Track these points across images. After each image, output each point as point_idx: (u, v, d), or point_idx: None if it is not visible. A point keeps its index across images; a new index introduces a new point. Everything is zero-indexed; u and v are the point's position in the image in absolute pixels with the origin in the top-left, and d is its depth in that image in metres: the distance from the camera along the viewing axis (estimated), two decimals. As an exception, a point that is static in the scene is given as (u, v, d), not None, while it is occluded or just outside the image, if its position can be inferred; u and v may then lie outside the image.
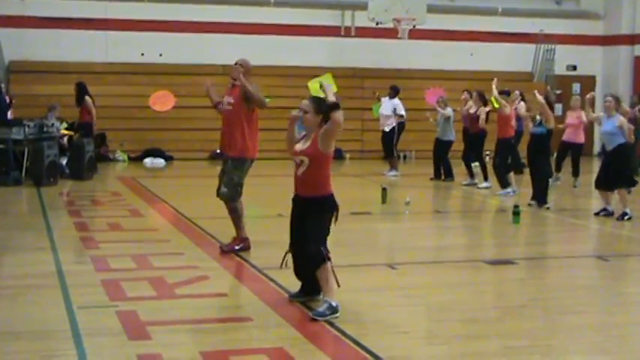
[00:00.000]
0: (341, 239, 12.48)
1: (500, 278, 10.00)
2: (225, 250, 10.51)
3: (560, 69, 27.60)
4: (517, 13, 27.31)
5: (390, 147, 21.01)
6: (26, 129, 17.75)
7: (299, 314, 7.92)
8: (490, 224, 14.47)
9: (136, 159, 23.34)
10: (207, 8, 24.82)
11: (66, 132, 19.91)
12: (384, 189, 15.78)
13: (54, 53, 23.37)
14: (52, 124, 18.54)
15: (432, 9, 24.60)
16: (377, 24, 23.93)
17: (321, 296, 8.07)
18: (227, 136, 10.59)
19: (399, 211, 15.13)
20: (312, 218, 8.10)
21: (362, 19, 24.52)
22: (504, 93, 17.84)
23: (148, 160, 22.99)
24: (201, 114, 21.62)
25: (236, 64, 10.93)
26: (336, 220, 8.27)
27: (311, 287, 8.25)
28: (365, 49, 25.50)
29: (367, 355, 6.73)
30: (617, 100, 14.38)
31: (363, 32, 25.28)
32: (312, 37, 25.41)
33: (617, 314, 8.25)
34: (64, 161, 18.69)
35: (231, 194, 10.51)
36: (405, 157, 24.72)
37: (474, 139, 18.51)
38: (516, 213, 13.53)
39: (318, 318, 7.68)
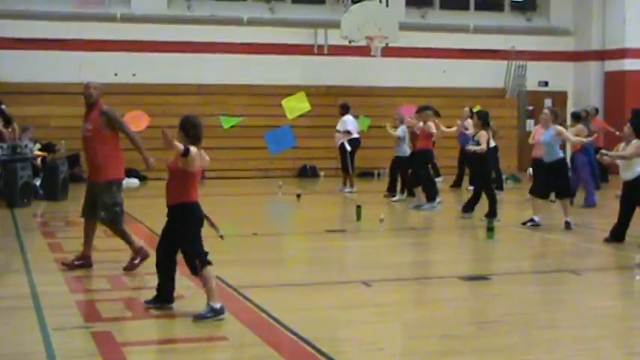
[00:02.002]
0: (316, 257, 12.56)
1: (475, 294, 10.04)
2: (127, 268, 10.58)
3: (532, 85, 27.79)
4: (488, 30, 27.50)
5: (343, 163, 21.08)
6: (-1, 150, 17.68)
7: (275, 333, 7.93)
8: (464, 240, 14.53)
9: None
10: (180, 28, 24.83)
11: (40, 153, 19.83)
12: (358, 206, 15.82)
13: (27, 74, 23.28)
14: (26, 145, 18.47)
15: (404, 27, 24.75)
16: (350, 42, 24.03)
17: (171, 305, 8.45)
18: (91, 162, 10.57)
19: (373, 228, 15.16)
20: (179, 230, 8.44)
21: (335, 38, 24.62)
22: (428, 109, 18.02)
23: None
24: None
25: (89, 86, 10.55)
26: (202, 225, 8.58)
27: (165, 295, 8.57)
28: (338, 67, 25.57)
29: (343, 373, 6.75)
30: (554, 114, 14.83)
31: (336, 50, 25.36)
32: (286, 56, 25.46)
33: (590, 328, 8.31)
34: (37, 182, 18.61)
35: (111, 217, 10.54)
36: (378, 174, 24.74)
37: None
38: (490, 229, 13.61)
39: (200, 320, 8.05)
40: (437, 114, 18.28)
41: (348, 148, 20.89)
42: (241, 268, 11.14)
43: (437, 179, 20.03)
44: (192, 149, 8.29)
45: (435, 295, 9.92)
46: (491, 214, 15.43)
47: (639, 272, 10.76)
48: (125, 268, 10.59)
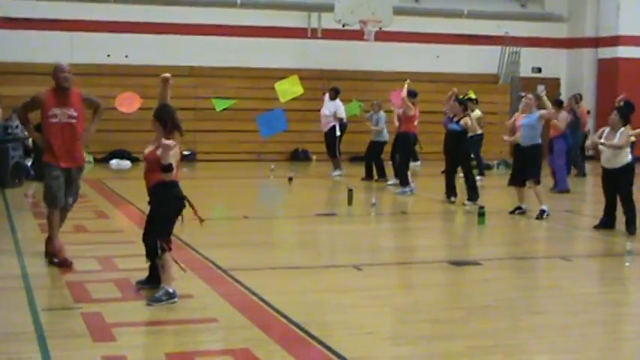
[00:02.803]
0: (307, 241, 12.58)
1: (466, 279, 10.06)
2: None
3: (525, 71, 27.79)
4: (482, 16, 27.49)
5: (331, 147, 21.14)
6: (-10, 130, 17.64)
7: (265, 315, 7.94)
8: (456, 225, 14.56)
9: (102, 160, 23.25)
10: (173, 10, 24.77)
11: (31, 133, 19.75)
12: (350, 190, 15.83)
13: (19, 54, 23.22)
14: (17, 126, 18.39)
15: (398, 11, 24.72)
16: (343, 26, 23.99)
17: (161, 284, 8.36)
18: (72, 148, 10.03)
19: (365, 213, 15.17)
20: (152, 209, 8.53)
21: (328, 21, 24.59)
22: (411, 94, 17.98)
23: (114, 162, 22.91)
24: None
25: (68, 69, 10.15)
26: (180, 211, 8.53)
27: (155, 275, 8.56)
28: (331, 51, 25.54)
29: (332, 356, 6.75)
30: (539, 99, 14.89)
31: (329, 34, 25.34)
32: (279, 39, 25.43)
33: (579, 314, 8.33)
34: (29, 163, 18.57)
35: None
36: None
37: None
38: (482, 214, 13.63)
39: (154, 303, 8.08)
40: (414, 95, 18.20)
41: (339, 132, 20.93)
42: (232, 250, 11.15)
43: (415, 163, 20.25)
44: (171, 158, 8.26)
45: (426, 279, 9.93)
46: (472, 197, 15.59)
47: (629, 259, 10.82)
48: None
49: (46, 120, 9.89)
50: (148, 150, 8.65)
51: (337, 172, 21.01)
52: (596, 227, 13.16)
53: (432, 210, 16.12)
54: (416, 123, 18.01)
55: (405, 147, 17.93)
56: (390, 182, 18.99)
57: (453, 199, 15.95)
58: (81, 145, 10.19)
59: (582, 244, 12.79)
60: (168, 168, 8.27)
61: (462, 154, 16.12)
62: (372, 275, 9.95)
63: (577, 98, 22.28)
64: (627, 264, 10.72)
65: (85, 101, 10.17)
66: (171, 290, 8.22)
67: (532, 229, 13.88)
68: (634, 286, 10.13)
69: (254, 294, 8.63)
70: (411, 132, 17.94)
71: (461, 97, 17.47)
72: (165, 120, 8.49)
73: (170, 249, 8.43)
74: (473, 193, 15.83)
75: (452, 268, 10.40)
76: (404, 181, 17.66)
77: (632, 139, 13.08)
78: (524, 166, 14.44)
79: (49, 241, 10.05)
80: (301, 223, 14.15)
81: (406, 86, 17.75)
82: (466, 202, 15.71)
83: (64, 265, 9.77)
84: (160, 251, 8.30)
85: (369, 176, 20.11)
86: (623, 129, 12.74)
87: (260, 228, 13.51)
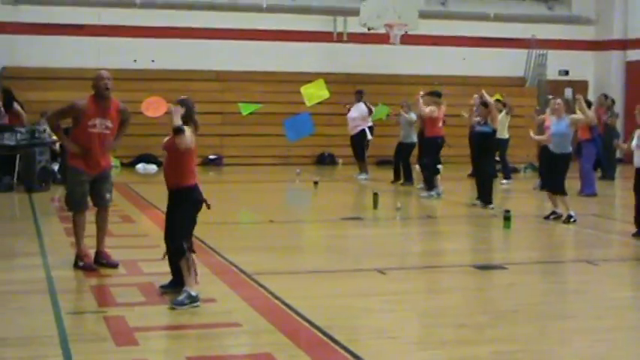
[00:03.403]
0: (331, 245, 12.53)
1: (491, 283, 9.99)
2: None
3: (552, 74, 27.62)
4: (509, 19, 27.37)
5: (359, 150, 21.11)
6: (18, 135, 17.73)
7: (289, 320, 7.91)
8: (481, 229, 14.44)
9: (129, 165, 23.33)
10: (199, 14, 24.85)
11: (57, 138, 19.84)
12: (375, 194, 15.77)
13: (46, 60, 23.38)
14: (44, 130, 18.49)
15: (424, 14, 24.64)
16: (369, 29, 23.94)
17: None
18: (101, 156, 9.99)
19: (390, 216, 15.12)
20: (175, 211, 8.53)
21: (354, 25, 24.56)
22: (434, 94, 17.91)
23: (140, 166, 22.99)
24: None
25: (109, 77, 9.89)
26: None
27: (178, 279, 8.51)
28: (357, 55, 25.53)
29: (356, 361, 6.72)
30: (567, 104, 14.73)
31: (355, 38, 25.33)
32: (305, 43, 25.44)
33: (606, 318, 8.24)
34: (55, 167, 18.66)
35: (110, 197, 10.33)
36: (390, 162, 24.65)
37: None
38: (507, 218, 13.53)
39: (176, 307, 8.05)
40: (438, 95, 18.11)
41: (369, 136, 20.92)
42: (256, 254, 11.13)
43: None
44: (179, 121, 8.34)
45: (451, 283, 9.87)
46: (484, 199, 15.66)
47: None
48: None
49: (84, 129, 9.79)
50: (165, 140, 8.68)
51: (363, 176, 20.98)
52: (635, 235, 12.90)
53: (458, 213, 16.03)
54: (441, 124, 17.87)
55: (432, 151, 17.82)
56: (418, 186, 18.86)
57: (491, 206, 15.69)
58: (109, 153, 10.24)
59: (609, 248, 12.66)
60: (179, 130, 8.29)
61: (488, 155, 16.07)
62: (397, 279, 9.90)
63: (608, 99, 22.10)
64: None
65: (122, 112, 10.14)
66: (194, 293, 8.21)
67: (558, 233, 13.76)
68: (662, 290, 10.03)
69: (278, 298, 8.60)
70: (438, 136, 17.82)
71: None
72: (184, 106, 8.52)
73: (194, 251, 8.42)
74: (486, 196, 15.76)
75: (477, 273, 10.33)
76: (430, 185, 17.58)
77: None
78: (552, 173, 14.30)
79: (78, 249, 10.04)
80: (326, 227, 14.10)
81: (421, 100, 17.63)
82: (475, 201, 15.72)
83: (89, 269, 9.79)
84: (185, 253, 8.30)
85: (397, 179, 20.07)
86: None
87: (285, 232, 13.49)
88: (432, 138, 17.79)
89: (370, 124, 21.16)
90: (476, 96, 20.38)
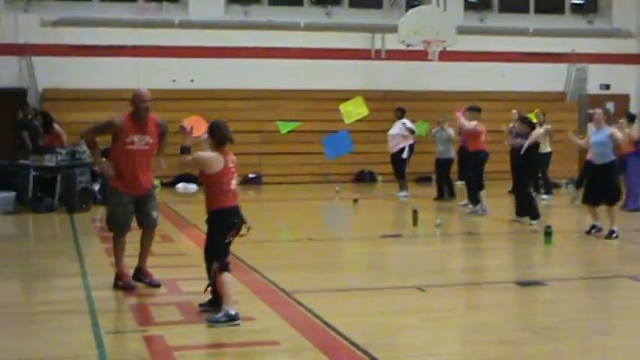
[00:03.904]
0: (371, 262, 12.50)
1: (531, 299, 9.90)
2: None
3: (593, 88, 27.40)
4: (548, 33, 27.17)
5: (399, 168, 21.05)
6: (58, 156, 17.91)
7: (328, 338, 7.88)
8: (522, 245, 14.33)
9: (169, 184, 23.44)
10: (237, 33, 24.95)
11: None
12: (415, 211, 15.73)
13: (85, 81, 23.58)
14: (84, 151, 18.64)
15: (462, 30, 24.54)
16: (407, 46, 23.90)
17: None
18: (143, 175, 9.91)
19: (430, 233, 15.06)
20: (209, 233, 8.68)
21: (392, 42, 24.51)
22: (474, 109, 17.94)
23: (180, 186, 23.09)
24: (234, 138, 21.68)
25: (149, 97, 9.86)
26: (235, 234, 8.62)
27: (216, 298, 8.58)
28: (396, 72, 25.49)
29: (395, 379, 6.68)
30: (607, 114, 14.76)
31: (393, 55, 25.28)
32: (343, 61, 25.45)
33: (649, 335, 8.15)
34: (96, 187, 18.79)
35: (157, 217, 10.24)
36: (430, 179, 24.53)
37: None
38: (548, 233, 13.42)
39: (213, 324, 8.09)
40: (477, 110, 18.07)
41: (405, 154, 20.87)
42: (295, 272, 11.12)
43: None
44: (200, 153, 8.56)
45: (490, 300, 9.79)
46: (526, 214, 15.61)
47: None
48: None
49: (122, 146, 9.75)
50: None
51: (403, 193, 20.92)
52: None
53: (498, 230, 15.93)
54: (483, 138, 17.80)
55: (476, 165, 17.73)
56: (461, 203, 18.73)
57: (533, 223, 15.44)
58: (151, 170, 10.13)
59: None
60: (182, 150, 8.60)
61: (530, 169, 15.98)
62: (437, 296, 9.84)
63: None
64: (700, 283, 10.46)
65: (160, 127, 10.10)
66: (233, 312, 8.21)
67: (600, 248, 13.61)
68: None
69: (317, 316, 8.58)
70: (481, 150, 17.75)
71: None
72: (213, 133, 8.65)
73: (229, 270, 8.45)
74: (529, 211, 15.63)
75: (518, 289, 10.25)
76: (475, 200, 17.49)
77: None
78: (598, 185, 14.17)
79: (118, 269, 10.05)
80: (366, 245, 14.07)
81: (462, 117, 17.64)
82: (531, 221, 15.54)
83: (128, 288, 9.83)
84: (215, 273, 8.37)
85: (440, 195, 19.99)
86: None
87: (324, 250, 13.47)
88: (476, 152, 17.70)
89: (411, 142, 21.08)
90: (514, 111, 20.35)
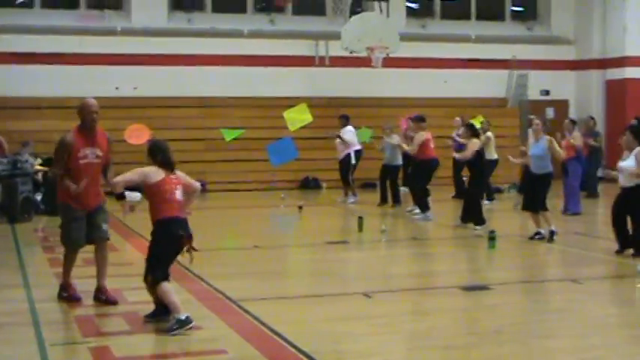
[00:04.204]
0: (317, 269, 12.53)
1: (476, 304, 10.01)
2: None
3: (533, 94, 27.76)
4: (490, 40, 27.50)
5: (344, 175, 21.12)
6: (-1, 165, 17.68)
7: (275, 346, 7.89)
8: (466, 250, 14.48)
9: (113, 193, 23.22)
10: (180, 41, 24.85)
11: (40, 167, 19.81)
12: (360, 217, 15.80)
13: (27, 89, 23.29)
14: (26, 160, 18.47)
15: (405, 37, 24.72)
16: (351, 53, 24.02)
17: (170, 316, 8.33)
18: (96, 188, 9.86)
19: (375, 239, 15.13)
20: (149, 246, 8.71)
21: (336, 49, 24.61)
22: (418, 119, 18.24)
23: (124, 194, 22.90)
24: (177, 146, 21.56)
25: (97, 107, 9.69)
26: (179, 249, 8.61)
27: (160, 308, 8.55)
28: (339, 79, 25.57)
29: (342, 385, 6.70)
30: (545, 124, 15.00)
31: (337, 62, 25.36)
32: (287, 68, 25.47)
33: (591, 336, 8.27)
34: (38, 197, 18.59)
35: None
36: (374, 185, 24.62)
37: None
38: (492, 238, 13.57)
39: (169, 333, 8.06)
40: (421, 119, 18.27)
41: (353, 160, 20.93)
42: (242, 280, 11.12)
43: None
44: (136, 170, 8.69)
45: (436, 305, 9.87)
46: (470, 219, 15.65)
47: (641, 280, 10.74)
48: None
49: (74, 161, 9.57)
50: None
51: (351, 199, 20.97)
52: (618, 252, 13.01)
53: (443, 235, 16.06)
54: (432, 146, 17.97)
55: (426, 174, 17.87)
56: (408, 209, 18.81)
57: (478, 228, 15.55)
58: (100, 186, 9.96)
59: (593, 266, 12.66)
60: (117, 196, 8.76)
61: (476, 177, 16.14)
62: (383, 302, 9.90)
63: (591, 122, 22.21)
64: (639, 285, 10.64)
65: (109, 141, 9.94)
66: (183, 317, 8.18)
67: (542, 252, 13.79)
68: (646, 307, 10.07)
69: (264, 324, 8.59)
70: (432, 158, 17.90)
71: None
72: (155, 155, 8.74)
73: (165, 279, 8.45)
74: (478, 218, 15.78)
75: (463, 294, 10.35)
76: (424, 207, 17.60)
77: None
78: (536, 193, 14.37)
79: (64, 280, 9.93)
80: (311, 252, 14.09)
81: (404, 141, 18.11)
82: (476, 226, 15.69)
83: (73, 299, 9.73)
84: (151, 284, 8.40)
85: (384, 201, 20.10)
86: (638, 149, 12.59)
87: (270, 257, 13.47)
88: (427, 161, 17.84)
89: (357, 147, 21.12)
90: (457, 118, 20.58)
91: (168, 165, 8.66)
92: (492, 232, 13.75)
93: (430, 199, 17.71)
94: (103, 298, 9.74)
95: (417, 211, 18.00)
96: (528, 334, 8.36)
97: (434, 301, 10.18)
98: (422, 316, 9.51)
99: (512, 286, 10.97)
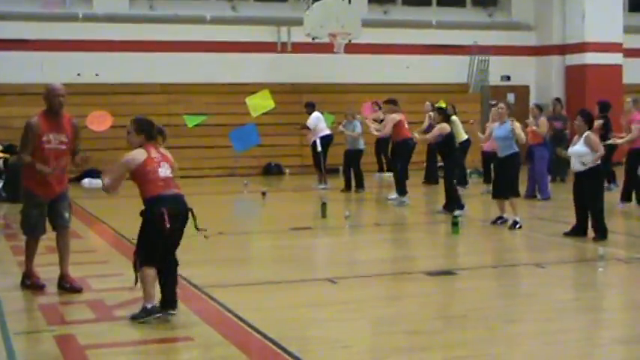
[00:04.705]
0: (281, 255, 12.54)
1: (441, 289, 10.07)
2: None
3: (494, 79, 27.92)
4: (451, 26, 27.61)
5: (316, 161, 21.11)
6: (-41, 153, 17.51)
7: (241, 332, 7.90)
8: (430, 235, 14.56)
9: (74, 180, 23.08)
10: (142, 27, 24.69)
11: (1, 155, 19.61)
12: (323, 203, 15.83)
13: (-13, 75, 23.07)
14: (-13, 147, 18.30)
15: (366, 23, 24.75)
16: (313, 39, 24.01)
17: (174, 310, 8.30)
18: (61, 175, 9.74)
19: (339, 225, 15.15)
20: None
21: (298, 35, 24.59)
22: (391, 102, 18.23)
23: (86, 181, 22.73)
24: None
25: (63, 92, 9.69)
26: (162, 228, 8.25)
27: (167, 297, 8.39)
28: (302, 65, 25.54)
29: (309, 371, 6.73)
30: (509, 107, 15.18)
31: (299, 48, 25.35)
32: (249, 54, 25.40)
33: (555, 321, 8.35)
34: (0, 184, 18.42)
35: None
36: (337, 170, 24.64)
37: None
38: (455, 223, 13.63)
39: (133, 320, 8.08)
40: (394, 102, 18.30)
41: (319, 147, 20.89)
42: (206, 267, 11.10)
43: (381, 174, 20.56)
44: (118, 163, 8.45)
45: (401, 291, 9.93)
46: (451, 207, 15.55)
47: (602, 264, 10.85)
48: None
49: (38, 146, 9.43)
50: None
51: (321, 186, 20.94)
52: (566, 234, 13.21)
53: (407, 221, 16.14)
54: (407, 126, 17.95)
55: (404, 155, 17.89)
56: (391, 197, 18.63)
57: (458, 212, 14.99)
58: (65, 172, 9.85)
59: (556, 251, 12.76)
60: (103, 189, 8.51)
61: (450, 160, 16.20)
62: (348, 288, 9.93)
63: (558, 106, 22.21)
64: (601, 269, 10.76)
65: (74, 127, 9.81)
66: (149, 306, 8.12)
67: (506, 237, 13.88)
68: (607, 291, 10.18)
69: (229, 311, 8.59)
70: (408, 138, 17.84)
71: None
72: (143, 128, 8.59)
73: (150, 264, 8.23)
74: (452, 204, 15.73)
75: (427, 279, 10.39)
76: (401, 190, 17.59)
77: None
78: (502, 178, 14.44)
79: (27, 268, 9.85)
80: (276, 238, 14.11)
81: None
82: (441, 210, 15.77)
83: (36, 287, 9.66)
84: (138, 266, 8.22)
85: (348, 187, 20.11)
86: (587, 133, 12.86)
87: (234, 244, 13.46)
88: (403, 141, 17.85)
89: (325, 133, 21.02)
90: (428, 103, 20.63)
91: (158, 134, 8.59)
92: (455, 217, 13.81)
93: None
94: (67, 285, 9.65)
95: (394, 196, 17.96)
96: (492, 318, 8.43)
97: (399, 286, 10.24)
98: (387, 301, 9.55)
99: (477, 271, 11.03)
